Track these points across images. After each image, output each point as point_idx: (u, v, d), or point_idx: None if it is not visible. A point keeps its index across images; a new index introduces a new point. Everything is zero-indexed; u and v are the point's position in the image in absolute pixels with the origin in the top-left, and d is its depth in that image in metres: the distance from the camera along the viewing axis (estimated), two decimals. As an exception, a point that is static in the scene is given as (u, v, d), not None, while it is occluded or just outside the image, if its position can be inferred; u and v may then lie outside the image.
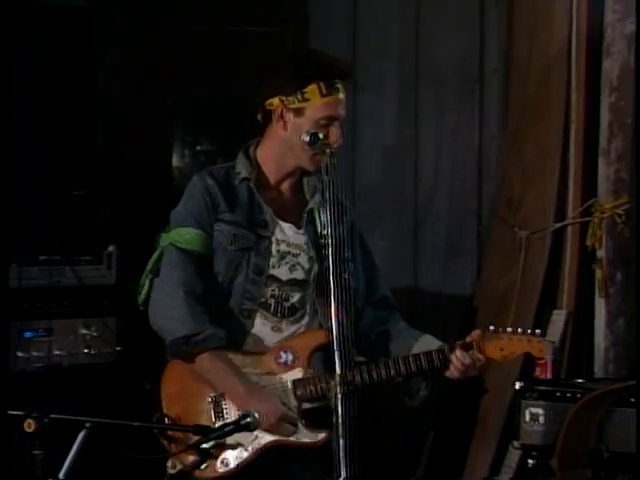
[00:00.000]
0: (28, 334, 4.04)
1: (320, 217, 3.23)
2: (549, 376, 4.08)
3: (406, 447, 5.01)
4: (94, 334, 4.16)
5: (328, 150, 3.06)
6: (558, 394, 3.83)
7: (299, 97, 3.16)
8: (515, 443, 3.94)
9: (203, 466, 3.02)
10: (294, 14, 4.79)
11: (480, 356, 3.15)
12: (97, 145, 4.50)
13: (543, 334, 3.23)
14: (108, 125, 4.53)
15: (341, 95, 3.19)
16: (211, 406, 3.13)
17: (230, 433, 2.95)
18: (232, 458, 3.09)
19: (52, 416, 2.72)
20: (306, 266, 3.25)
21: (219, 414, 3.13)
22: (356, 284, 3.26)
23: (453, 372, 3.16)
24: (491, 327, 3.18)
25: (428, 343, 3.23)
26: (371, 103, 5.15)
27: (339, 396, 2.81)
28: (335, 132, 3.17)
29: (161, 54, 4.54)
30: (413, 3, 5.27)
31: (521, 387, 3.88)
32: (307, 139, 3.14)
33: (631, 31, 4.37)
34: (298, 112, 3.17)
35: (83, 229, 4.30)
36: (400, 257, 5.25)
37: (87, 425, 2.78)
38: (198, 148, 4.71)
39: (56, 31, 4.31)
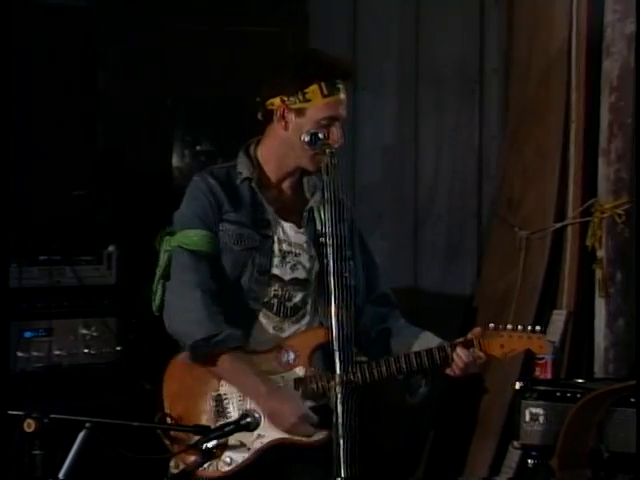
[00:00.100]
0: (28, 334, 4.05)
1: (320, 216, 3.23)
2: (549, 376, 4.08)
3: (406, 447, 5.01)
4: (94, 334, 4.16)
5: (328, 150, 3.07)
6: (558, 394, 3.83)
7: (300, 97, 3.16)
8: (515, 443, 3.94)
9: (205, 465, 3.02)
10: (294, 14, 4.79)
11: (481, 354, 3.15)
12: (97, 145, 4.50)
13: (543, 331, 3.23)
14: (108, 125, 4.53)
15: (342, 95, 3.19)
16: (213, 406, 3.13)
17: (230, 433, 2.96)
18: (234, 458, 3.09)
19: (52, 416, 2.72)
20: (307, 265, 3.25)
21: (221, 413, 3.13)
22: (356, 283, 3.26)
23: (454, 370, 3.16)
24: (491, 325, 3.19)
25: (428, 340, 3.23)
26: (371, 103, 5.15)
27: (339, 395, 2.82)
28: (336, 132, 3.17)
29: (161, 54, 4.55)
30: (413, 3, 5.27)
31: (521, 387, 3.89)
32: (307, 139, 3.14)
33: (631, 31, 4.37)
34: (299, 112, 3.17)
35: (83, 229, 4.29)
36: (400, 257, 5.25)
37: (87, 425, 2.78)
38: (198, 148, 4.71)
39: (56, 31, 4.31)
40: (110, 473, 3.65)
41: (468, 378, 3.24)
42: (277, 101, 3.19)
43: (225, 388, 3.15)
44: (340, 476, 2.77)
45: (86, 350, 4.14)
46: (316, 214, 3.27)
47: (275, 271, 3.22)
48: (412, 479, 4.90)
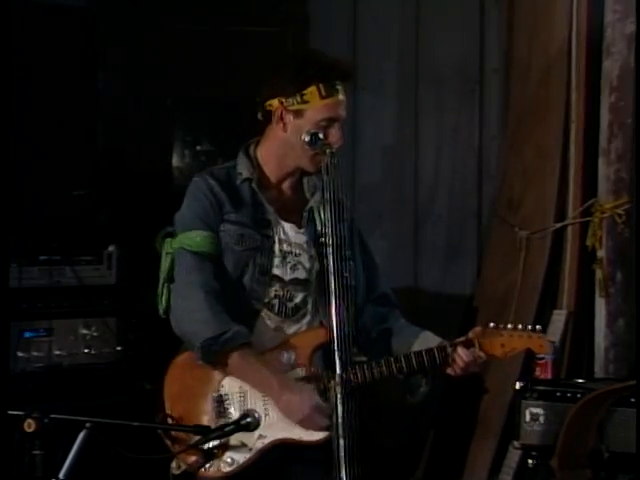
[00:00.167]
0: (28, 334, 4.04)
1: (320, 216, 3.23)
2: (549, 376, 4.08)
3: (406, 447, 5.01)
4: (94, 334, 4.15)
5: (328, 150, 3.07)
6: (558, 394, 3.83)
7: (298, 99, 3.16)
8: (515, 443, 3.94)
9: (207, 466, 3.02)
10: (294, 14, 4.79)
11: (481, 353, 3.16)
12: (97, 145, 4.50)
13: (543, 331, 3.23)
14: (108, 125, 4.53)
15: (341, 96, 3.19)
16: (214, 406, 3.13)
17: (230, 433, 2.96)
18: (236, 458, 3.09)
19: (52, 416, 2.71)
20: (307, 265, 3.26)
21: (222, 414, 3.13)
22: (356, 282, 3.26)
23: (454, 369, 3.16)
24: (491, 324, 3.19)
25: (428, 340, 3.23)
26: (371, 103, 5.15)
27: (339, 395, 2.82)
28: (335, 133, 3.17)
29: (161, 54, 4.54)
30: (413, 3, 5.27)
31: (521, 387, 3.88)
32: (308, 139, 3.14)
33: (631, 31, 4.36)
34: (298, 114, 3.17)
35: (83, 229, 4.29)
36: (400, 257, 5.25)
37: (87, 425, 2.77)
38: (198, 148, 4.71)
39: (56, 31, 4.31)
40: (110, 473, 3.65)
41: (468, 378, 3.25)
42: (275, 102, 3.19)
43: (226, 389, 3.15)
44: (340, 476, 2.77)
45: (86, 350, 4.13)
46: (316, 214, 3.28)
47: (276, 271, 3.23)
48: (412, 479, 4.90)
